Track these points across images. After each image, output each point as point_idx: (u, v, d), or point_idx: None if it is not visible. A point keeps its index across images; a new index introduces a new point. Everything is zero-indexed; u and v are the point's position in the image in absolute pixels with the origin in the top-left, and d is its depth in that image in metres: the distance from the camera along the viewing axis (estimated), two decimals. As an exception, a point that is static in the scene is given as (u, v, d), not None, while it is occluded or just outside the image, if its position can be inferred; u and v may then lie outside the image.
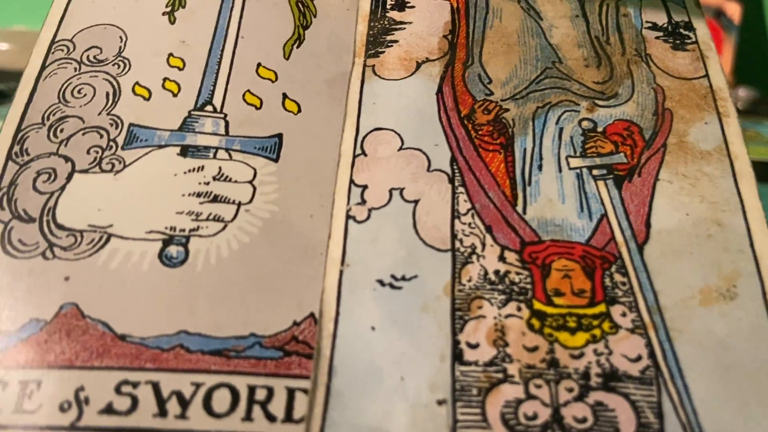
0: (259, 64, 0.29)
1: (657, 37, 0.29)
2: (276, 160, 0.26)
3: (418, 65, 0.28)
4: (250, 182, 0.25)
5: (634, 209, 0.24)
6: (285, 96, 0.28)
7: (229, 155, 0.26)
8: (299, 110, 0.28)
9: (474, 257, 0.23)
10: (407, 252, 0.23)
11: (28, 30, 0.28)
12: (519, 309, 0.22)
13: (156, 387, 0.21)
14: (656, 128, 0.26)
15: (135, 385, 0.21)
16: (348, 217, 0.24)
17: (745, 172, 0.25)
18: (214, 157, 0.26)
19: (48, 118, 0.26)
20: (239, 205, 0.25)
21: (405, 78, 0.28)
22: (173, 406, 0.21)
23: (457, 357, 0.21)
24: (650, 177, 0.25)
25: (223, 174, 0.26)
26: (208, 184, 0.25)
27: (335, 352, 0.21)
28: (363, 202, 0.24)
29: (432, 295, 0.22)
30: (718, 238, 0.23)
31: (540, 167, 0.25)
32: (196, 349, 0.22)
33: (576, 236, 0.23)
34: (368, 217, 0.24)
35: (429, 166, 0.25)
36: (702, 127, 0.26)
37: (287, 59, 0.29)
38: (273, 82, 0.28)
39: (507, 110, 0.27)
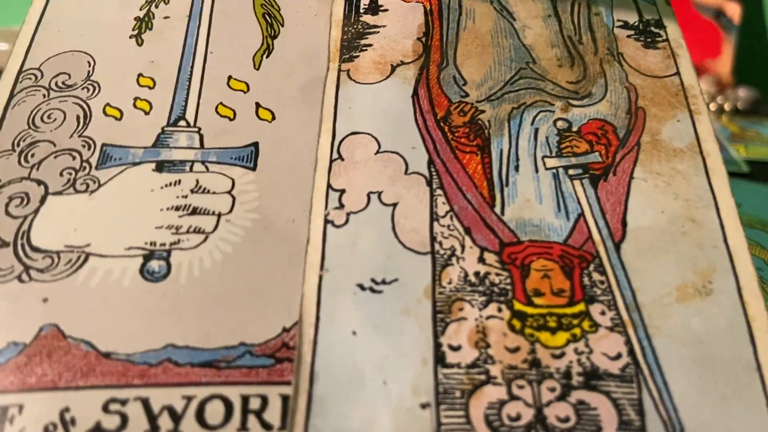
0: (230, 77, 0.28)
1: (629, 36, 0.29)
2: (254, 169, 0.26)
3: (393, 68, 0.28)
4: (229, 192, 0.25)
5: (610, 208, 0.24)
6: (258, 105, 0.28)
7: (206, 167, 0.26)
8: (273, 118, 0.27)
9: (454, 259, 0.23)
10: (387, 256, 0.23)
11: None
12: (500, 310, 0.22)
13: (146, 403, 0.20)
14: (630, 127, 0.26)
15: (123, 402, 0.20)
16: (326, 221, 0.24)
17: (717, 168, 0.25)
18: (191, 170, 0.26)
19: (18, 144, 0.26)
20: (219, 215, 0.24)
21: (380, 81, 0.28)
22: (165, 421, 0.20)
23: (440, 360, 0.21)
24: (625, 175, 0.25)
25: (200, 186, 0.25)
26: (186, 197, 0.25)
27: (316, 357, 0.21)
28: (341, 206, 0.24)
29: (413, 298, 0.22)
30: (693, 235, 0.23)
31: (517, 168, 0.25)
32: (185, 362, 0.21)
33: (554, 236, 0.23)
34: (347, 222, 0.24)
35: (407, 168, 0.25)
36: (674, 125, 0.26)
37: (257, 69, 0.29)
38: (245, 92, 0.28)
39: (483, 111, 0.27)
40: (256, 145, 0.26)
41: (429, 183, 0.25)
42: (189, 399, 0.21)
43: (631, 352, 0.21)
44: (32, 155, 0.26)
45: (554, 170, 0.25)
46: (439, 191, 0.24)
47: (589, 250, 0.23)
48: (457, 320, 0.22)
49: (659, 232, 0.23)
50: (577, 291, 0.22)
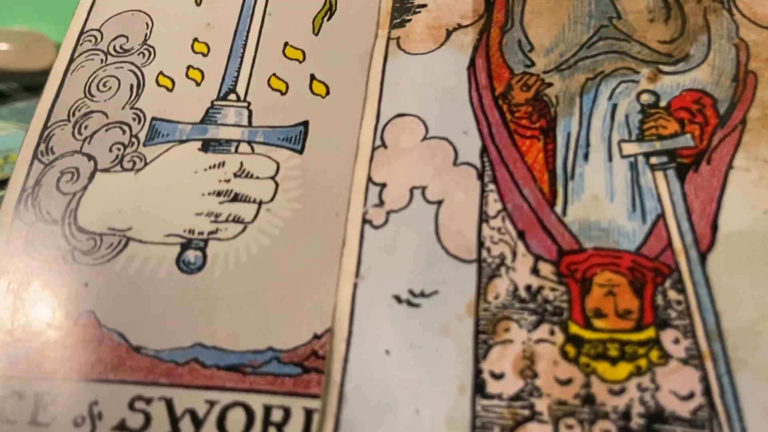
0: (286, 44, 0.27)
1: (746, -27, 0.23)
2: (301, 152, 0.25)
3: (449, 33, 0.24)
4: (273, 178, 0.24)
5: (699, 207, 0.20)
6: (313, 77, 0.26)
7: (252, 148, 0.25)
8: (327, 92, 0.26)
9: (502, 269, 0.20)
10: (427, 263, 0.21)
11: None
12: (552, 333, 0.19)
13: (169, 404, 0.21)
14: (735, 98, 0.21)
15: (148, 401, 0.21)
16: (364, 221, 0.22)
17: None
18: (236, 151, 0.25)
19: (73, 114, 0.26)
20: (260, 204, 0.24)
21: (433, 51, 0.24)
22: (186, 425, 0.20)
23: (479, 388, 0.19)
24: (722, 164, 0.21)
25: (244, 170, 0.24)
26: (228, 181, 0.24)
27: (346, 377, 0.20)
28: (381, 203, 0.22)
29: (453, 314, 0.20)
30: (804, 242, 0.19)
31: (586, 156, 0.21)
32: (212, 363, 0.21)
33: (624, 242, 0.20)
34: (386, 222, 0.22)
35: (456, 158, 0.22)
36: (795, 95, 0.21)
37: (317, 35, 0.27)
38: (300, 62, 0.26)
39: (550, 85, 0.23)
40: (305, 124, 0.25)
41: (480, 176, 0.22)
42: (212, 404, 0.20)
43: (707, 392, 0.18)
44: (85, 127, 0.26)
45: (632, 158, 0.21)
46: (491, 186, 0.21)
47: (666, 261, 0.20)
48: (501, 343, 0.19)
49: (759, 239, 0.19)
50: (648, 313, 0.19)
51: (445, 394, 0.19)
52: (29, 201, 0.25)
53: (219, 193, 0.24)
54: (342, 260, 0.21)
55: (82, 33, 0.28)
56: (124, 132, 0.26)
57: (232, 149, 0.25)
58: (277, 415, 0.20)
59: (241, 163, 0.24)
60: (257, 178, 0.24)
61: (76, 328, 0.22)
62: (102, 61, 0.28)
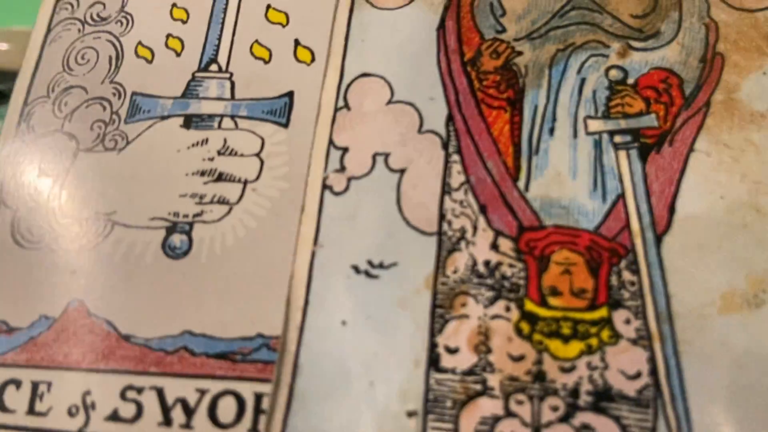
0: (268, 6, 0.25)
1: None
2: (286, 125, 0.23)
3: (419, -10, 0.23)
4: (257, 155, 0.23)
5: (658, 189, 0.20)
6: (297, 43, 0.24)
7: (235, 123, 0.24)
8: (313, 59, 0.24)
9: (462, 243, 0.20)
10: (388, 234, 0.20)
11: (28, 30, 0.28)
12: (508, 309, 0.19)
13: (160, 393, 0.20)
14: (701, 80, 0.21)
15: (140, 390, 0.20)
16: (324, 187, 0.21)
17: (803, 142, 0.20)
18: (219, 127, 0.24)
19: (53, 90, 0.25)
20: (245, 183, 0.23)
21: (402, 7, 0.23)
22: (178, 414, 0.20)
23: (433, 362, 0.19)
24: (684, 147, 0.21)
25: (228, 147, 0.23)
26: (212, 160, 0.23)
27: (301, 347, 0.20)
28: (342, 169, 0.21)
29: (411, 287, 0.20)
30: (755, 229, 0.20)
31: (552, 131, 0.21)
32: (201, 351, 0.21)
33: (584, 221, 0.20)
34: (347, 188, 0.21)
35: (421, 125, 0.22)
36: (759, 79, 0.21)
37: None
38: (284, 26, 0.25)
39: (520, 54, 0.22)
40: (290, 95, 0.24)
41: (445, 145, 0.21)
42: (203, 393, 0.20)
43: (654, 372, 0.18)
44: (65, 104, 0.25)
45: (596, 136, 0.21)
46: (455, 157, 0.21)
47: (623, 242, 0.20)
48: (458, 317, 0.19)
49: (713, 223, 0.20)
50: (602, 292, 0.19)
51: (399, 367, 0.19)
52: (12, 183, 0.24)
53: (203, 173, 0.23)
54: (300, 227, 0.21)
55: (58, 0, 0.27)
56: (104, 108, 0.25)
57: (215, 125, 0.24)
58: (267, 404, 0.20)
59: (225, 140, 0.24)
60: (241, 155, 0.23)
61: (66, 317, 0.22)
62: (79, 30, 0.26)
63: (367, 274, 0.20)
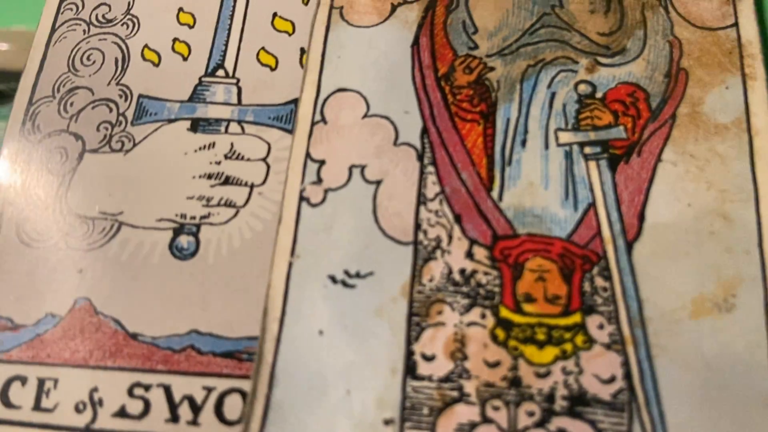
0: (275, 14, 0.26)
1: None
2: (292, 131, 0.23)
3: (393, 8, 0.24)
4: (264, 159, 0.24)
5: (628, 198, 0.21)
6: (303, 51, 0.25)
7: (242, 128, 0.24)
8: None
9: (438, 252, 0.20)
10: (364, 244, 0.21)
11: (28, 30, 0.28)
12: (483, 316, 0.19)
13: (168, 390, 0.21)
14: (666, 94, 0.22)
15: (147, 387, 0.21)
16: (301, 198, 0.21)
17: (765, 152, 0.21)
18: (226, 131, 0.24)
19: (58, 90, 0.25)
20: (252, 187, 0.23)
21: (377, 25, 0.24)
22: (185, 411, 0.20)
23: (410, 370, 0.19)
24: (651, 157, 0.21)
25: (234, 151, 0.24)
26: (219, 163, 0.24)
27: (278, 357, 0.19)
28: (319, 181, 0.21)
29: (388, 296, 0.20)
30: (722, 236, 0.20)
31: (524, 143, 0.22)
32: (208, 350, 0.21)
33: (556, 230, 0.20)
34: (324, 200, 0.21)
35: (396, 138, 0.22)
36: (721, 93, 0.22)
37: (306, 4, 0.26)
38: (290, 35, 0.25)
39: (492, 69, 0.23)
40: (296, 102, 0.24)
41: (420, 157, 0.22)
42: (209, 390, 0.20)
43: (628, 376, 0.19)
44: (71, 104, 0.25)
45: (567, 147, 0.22)
46: (430, 168, 0.21)
47: (595, 249, 0.20)
48: (434, 325, 0.19)
49: (682, 230, 0.20)
50: (575, 298, 0.20)
51: (376, 375, 0.19)
52: (17, 182, 0.24)
53: (210, 176, 0.23)
54: (277, 238, 0.21)
55: (62, 1, 0.27)
56: (111, 110, 0.25)
57: (222, 129, 0.24)
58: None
59: (232, 144, 0.24)
60: (248, 160, 0.24)
61: (72, 315, 0.22)
62: (84, 31, 0.27)
63: (344, 283, 0.20)
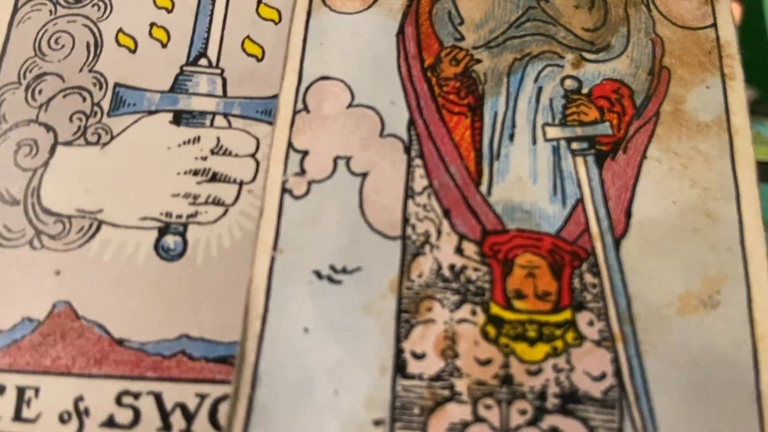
0: (259, 2, 0.25)
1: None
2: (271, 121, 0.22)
3: (378, -4, 0.23)
4: (253, 155, 0.22)
5: (615, 194, 0.21)
6: None
7: (228, 122, 0.23)
8: None
9: (427, 248, 0.20)
10: (351, 238, 0.20)
11: None
12: (474, 313, 0.19)
13: (158, 398, 0.20)
14: (650, 91, 0.22)
15: (136, 396, 0.20)
16: (284, 190, 0.20)
17: (745, 150, 0.21)
18: (211, 124, 0.23)
19: (24, 76, 0.23)
20: (241, 184, 0.22)
21: (361, 12, 0.23)
22: (177, 420, 0.19)
23: (400, 369, 0.18)
24: (637, 154, 0.21)
25: (221, 146, 0.22)
26: (205, 159, 0.22)
27: (261, 357, 0.19)
28: (302, 172, 0.21)
29: (376, 292, 0.19)
30: (706, 233, 0.20)
31: (512, 137, 0.21)
32: (200, 355, 0.20)
33: (545, 225, 0.20)
34: (307, 192, 0.20)
35: (382, 129, 0.21)
36: (702, 93, 0.22)
37: None
38: (276, 23, 0.24)
39: (479, 61, 0.22)
40: None
41: (407, 149, 0.21)
42: (202, 397, 0.20)
43: (618, 373, 0.18)
44: (39, 92, 0.23)
45: (555, 142, 0.21)
46: (418, 161, 0.21)
47: (584, 245, 0.20)
48: (424, 322, 0.19)
49: (668, 227, 0.20)
50: (565, 295, 0.19)
51: (365, 374, 0.18)
52: None
53: (196, 172, 0.22)
54: (259, 232, 0.20)
55: None
56: (84, 99, 0.23)
57: (207, 122, 0.23)
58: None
59: (218, 139, 0.23)
60: (236, 155, 0.22)
61: (52, 320, 0.20)
62: (51, 12, 0.24)
63: (330, 279, 0.19)
